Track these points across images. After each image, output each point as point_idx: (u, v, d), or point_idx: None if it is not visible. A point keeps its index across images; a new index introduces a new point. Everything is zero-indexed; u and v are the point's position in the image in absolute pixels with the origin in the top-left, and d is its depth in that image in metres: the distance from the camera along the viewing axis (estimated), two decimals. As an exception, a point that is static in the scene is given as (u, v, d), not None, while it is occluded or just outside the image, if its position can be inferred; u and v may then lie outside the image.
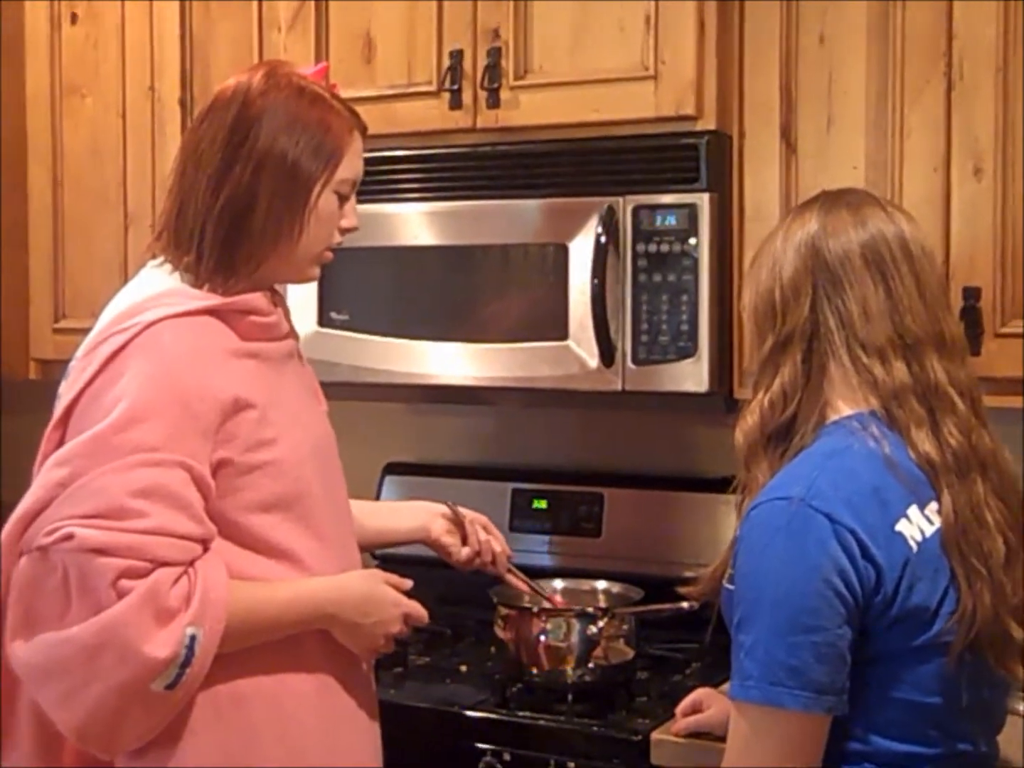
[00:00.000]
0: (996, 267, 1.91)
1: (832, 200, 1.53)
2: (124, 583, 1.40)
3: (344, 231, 1.66)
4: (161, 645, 1.41)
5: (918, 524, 1.41)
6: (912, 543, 1.39)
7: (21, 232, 2.65)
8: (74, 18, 2.59)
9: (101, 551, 1.40)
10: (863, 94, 1.97)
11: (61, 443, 1.50)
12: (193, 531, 1.47)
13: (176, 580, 1.44)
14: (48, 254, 2.64)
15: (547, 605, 1.98)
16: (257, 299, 1.59)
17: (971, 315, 1.89)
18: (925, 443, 1.44)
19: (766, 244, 1.54)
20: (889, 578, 1.37)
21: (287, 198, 1.57)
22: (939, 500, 1.43)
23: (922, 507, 1.42)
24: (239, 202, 1.55)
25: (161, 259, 1.62)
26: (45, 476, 1.47)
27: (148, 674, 1.42)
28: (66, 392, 1.54)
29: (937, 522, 1.42)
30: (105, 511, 1.42)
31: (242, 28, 2.42)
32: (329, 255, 1.67)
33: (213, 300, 1.56)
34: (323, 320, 2.28)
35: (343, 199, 1.63)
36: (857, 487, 1.40)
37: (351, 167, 1.62)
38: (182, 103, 2.48)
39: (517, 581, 1.95)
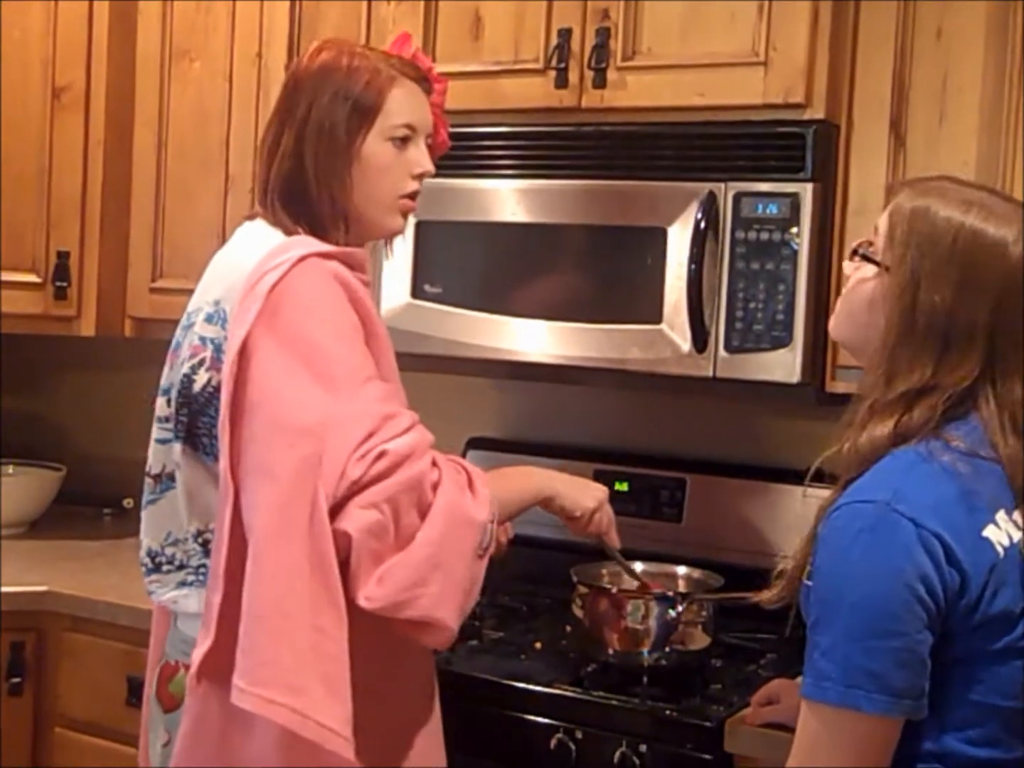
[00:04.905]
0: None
1: None
2: (435, 473, 1.51)
3: (417, 176, 1.73)
4: (478, 509, 1.54)
5: (1006, 529, 1.39)
6: (999, 548, 1.38)
7: (124, 192, 2.70)
8: (186, -17, 2.63)
9: (409, 456, 1.48)
10: (978, 90, 1.94)
11: (238, 382, 1.52)
12: (417, 417, 1.56)
13: (451, 464, 1.56)
14: (149, 214, 2.69)
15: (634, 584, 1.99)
16: (364, 256, 1.66)
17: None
18: (1010, 442, 1.42)
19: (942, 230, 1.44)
20: (974, 584, 1.35)
21: (328, 156, 1.66)
22: None
23: (1010, 512, 1.40)
24: (291, 170, 1.67)
25: (258, 219, 1.72)
26: (298, 426, 1.49)
27: (480, 536, 1.53)
28: (234, 329, 1.56)
29: None
30: (378, 424, 1.49)
31: (351, 0, 2.44)
32: (409, 203, 1.74)
33: (336, 248, 1.63)
34: (416, 292, 2.30)
35: (400, 145, 1.70)
36: (944, 491, 1.38)
37: (400, 114, 1.69)
38: (288, 70, 2.50)
39: (621, 559, 1.95)
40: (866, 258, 1.49)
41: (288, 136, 1.68)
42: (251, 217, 1.75)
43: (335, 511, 1.47)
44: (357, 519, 1.46)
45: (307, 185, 1.67)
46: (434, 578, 1.49)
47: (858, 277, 1.51)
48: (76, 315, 2.69)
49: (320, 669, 1.47)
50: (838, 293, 1.59)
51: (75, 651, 2.39)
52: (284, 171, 1.68)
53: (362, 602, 1.47)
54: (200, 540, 1.66)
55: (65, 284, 2.66)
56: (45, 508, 2.88)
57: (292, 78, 1.74)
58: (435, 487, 1.51)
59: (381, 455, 1.47)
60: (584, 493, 1.78)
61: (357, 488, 1.46)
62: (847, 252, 1.55)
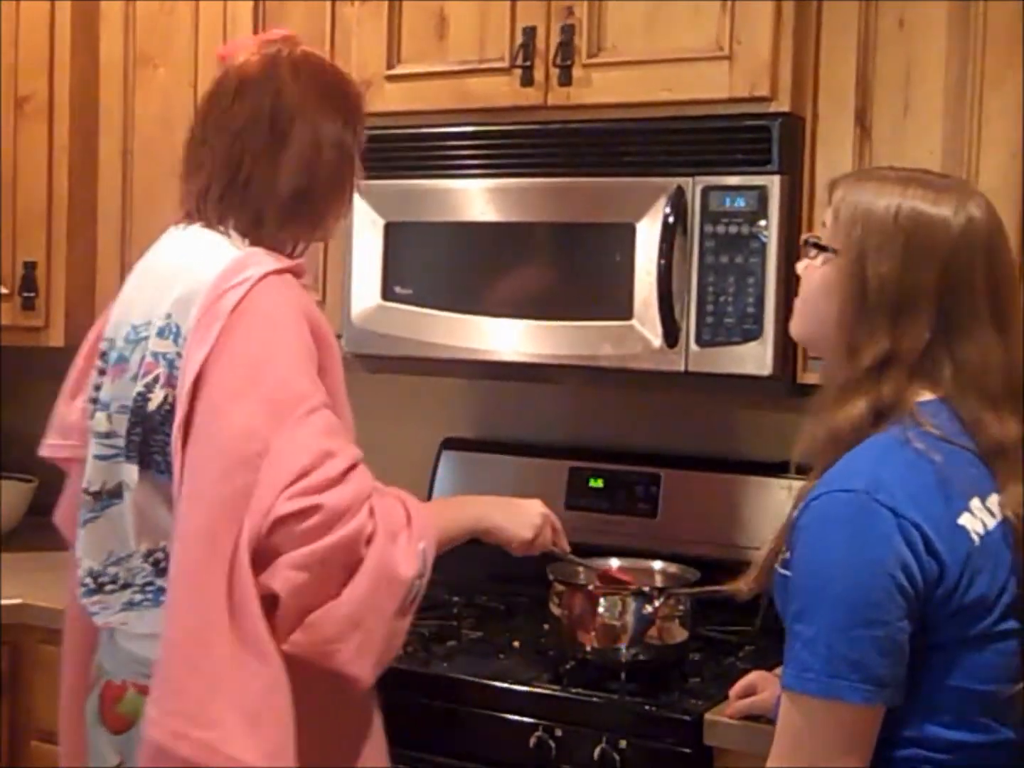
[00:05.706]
0: (1070, 255, 1.89)
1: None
2: (369, 525, 1.49)
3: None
4: (407, 565, 1.52)
5: (980, 517, 1.40)
6: (974, 536, 1.39)
7: (90, 201, 2.69)
8: (149, -12, 2.61)
9: (345, 512, 1.46)
10: (941, 79, 1.95)
11: (192, 403, 1.52)
12: (360, 455, 1.53)
13: (389, 504, 1.54)
14: (116, 222, 2.67)
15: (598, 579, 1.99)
16: (304, 265, 1.67)
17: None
18: (992, 428, 1.43)
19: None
20: (951, 572, 1.36)
21: (339, 169, 1.68)
22: (1002, 492, 1.42)
23: (984, 499, 1.41)
24: (300, 179, 1.64)
25: (200, 224, 1.69)
26: (236, 456, 1.47)
27: (405, 593, 1.51)
28: (193, 349, 1.53)
29: (999, 515, 1.41)
30: (315, 461, 1.46)
31: (315, 1, 2.43)
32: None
33: (289, 262, 1.63)
34: (387, 294, 2.29)
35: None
36: (921, 480, 1.38)
37: (363, 131, 1.74)
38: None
39: (578, 560, 1.96)
40: (816, 246, 1.52)
41: (296, 148, 1.64)
42: (186, 221, 1.71)
43: (262, 551, 1.45)
44: (286, 581, 1.46)
45: (316, 201, 1.66)
46: (353, 636, 1.49)
47: (810, 267, 1.53)
48: (44, 325, 2.67)
49: (239, 702, 1.45)
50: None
51: (50, 663, 2.36)
52: (293, 184, 1.64)
53: (285, 646, 1.47)
54: (151, 560, 1.62)
55: (32, 295, 2.65)
56: (17, 521, 2.85)
57: (276, 90, 1.66)
58: (369, 540, 1.49)
59: (315, 509, 1.44)
60: (522, 523, 1.79)
61: (285, 536, 1.44)
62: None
